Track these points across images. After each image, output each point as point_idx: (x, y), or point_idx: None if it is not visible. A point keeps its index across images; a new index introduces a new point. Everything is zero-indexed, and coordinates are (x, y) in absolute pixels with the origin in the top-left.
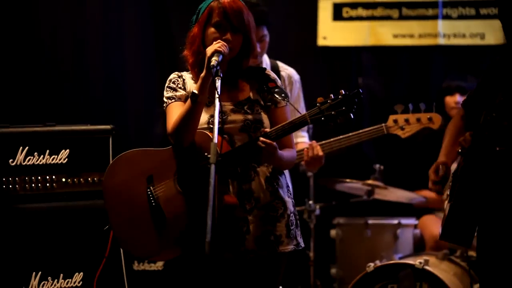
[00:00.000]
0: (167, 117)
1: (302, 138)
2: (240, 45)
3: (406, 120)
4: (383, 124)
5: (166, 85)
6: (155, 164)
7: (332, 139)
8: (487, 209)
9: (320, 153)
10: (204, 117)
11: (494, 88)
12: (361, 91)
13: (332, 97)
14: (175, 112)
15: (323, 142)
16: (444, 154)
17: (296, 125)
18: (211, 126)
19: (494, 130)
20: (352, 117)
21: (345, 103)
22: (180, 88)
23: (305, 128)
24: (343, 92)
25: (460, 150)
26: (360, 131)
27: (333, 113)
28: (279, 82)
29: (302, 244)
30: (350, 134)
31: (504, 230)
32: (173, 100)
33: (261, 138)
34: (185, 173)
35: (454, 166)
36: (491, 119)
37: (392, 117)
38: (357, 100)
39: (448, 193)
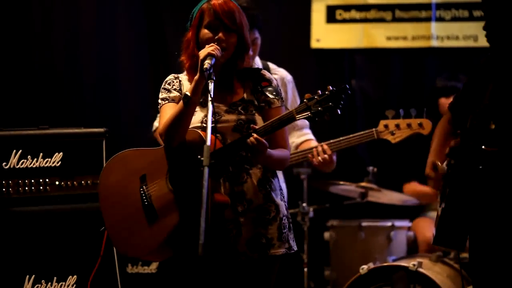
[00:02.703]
0: (160, 117)
1: (307, 136)
2: (235, 45)
3: (397, 126)
4: (373, 129)
5: (162, 86)
6: (148, 163)
7: (313, 145)
8: (478, 212)
9: (329, 151)
10: (198, 116)
11: (480, 91)
12: (347, 86)
13: (320, 93)
14: (167, 112)
15: (300, 150)
16: (434, 155)
17: (284, 121)
18: (204, 125)
19: (481, 133)
20: (340, 113)
21: (332, 99)
22: (175, 89)
23: (308, 125)
24: (330, 88)
25: (448, 153)
26: (350, 135)
27: (320, 109)
28: (274, 82)
29: (295, 248)
30: (341, 138)
31: (495, 232)
32: (166, 101)
33: (254, 135)
34: (177, 172)
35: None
36: (477, 124)
37: (382, 122)
38: (344, 96)
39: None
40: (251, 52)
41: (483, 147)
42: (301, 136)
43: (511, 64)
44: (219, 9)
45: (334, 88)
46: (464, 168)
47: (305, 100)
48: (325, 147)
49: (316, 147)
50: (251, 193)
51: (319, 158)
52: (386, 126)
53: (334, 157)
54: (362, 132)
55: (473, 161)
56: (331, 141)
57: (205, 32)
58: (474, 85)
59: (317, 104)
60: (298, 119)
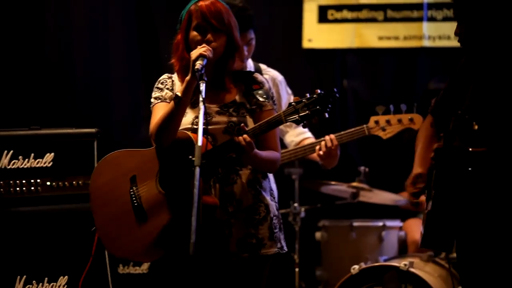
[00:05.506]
0: (152, 116)
1: (305, 134)
2: (224, 45)
3: (387, 121)
4: (364, 126)
5: (155, 85)
6: (138, 164)
7: (313, 141)
8: (468, 213)
9: (335, 141)
10: (188, 118)
11: (461, 92)
12: (335, 90)
13: (308, 96)
14: (159, 112)
15: (305, 144)
16: (419, 165)
17: (272, 124)
18: (195, 126)
19: (465, 135)
20: (327, 116)
21: (320, 102)
22: (167, 88)
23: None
24: (318, 92)
25: (433, 156)
26: (342, 132)
27: (307, 112)
28: (266, 85)
29: (286, 248)
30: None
31: (485, 233)
32: (159, 101)
33: (244, 135)
34: (166, 174)
35: None
36: (460, 125)
37: (373, 118)
38: (332, 100)
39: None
40: (246, 52)
41: (470, 149)
42: (300, 134)
43: (490, 65)
44: (206, 10)
45: (322, 92)
46: (451, 171)
47: (293, 103)
48: (332, 136)
49: (324, 139)
50: (241, 193)
51: (326, 148)
52: (376, 122)
53: (338, 152)
54: (353, 129)
55: (461, 163)
56: (322, 138)
57: (194, 34)
58: (455, 86)
59: (305, 108)
60: (287, 122)
